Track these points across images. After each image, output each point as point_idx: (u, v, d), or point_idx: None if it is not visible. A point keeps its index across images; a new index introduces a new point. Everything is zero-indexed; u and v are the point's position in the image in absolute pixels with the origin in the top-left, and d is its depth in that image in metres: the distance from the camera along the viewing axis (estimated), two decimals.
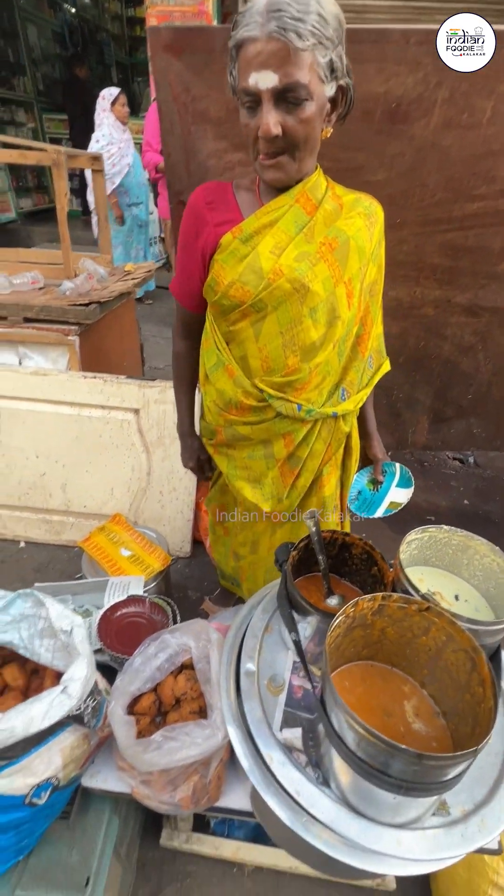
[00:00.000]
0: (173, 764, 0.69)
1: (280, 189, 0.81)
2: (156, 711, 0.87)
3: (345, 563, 0.88)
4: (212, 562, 1.50)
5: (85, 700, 0.73)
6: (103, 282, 2.06)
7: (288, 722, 0.72)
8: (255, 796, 0.78)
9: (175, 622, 1.05)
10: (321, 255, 0.82)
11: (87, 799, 0.88)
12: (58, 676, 0.85)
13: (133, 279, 2.10)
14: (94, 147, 3.42)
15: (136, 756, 0.70)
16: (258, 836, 1.07)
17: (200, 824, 1.07)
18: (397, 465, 1.17)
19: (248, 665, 0.79)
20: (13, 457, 1.78)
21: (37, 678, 0.90)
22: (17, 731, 0.63)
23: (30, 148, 1.83)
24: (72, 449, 1.76)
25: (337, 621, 0.63)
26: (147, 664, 0.86)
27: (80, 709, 0.72)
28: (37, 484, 1.81)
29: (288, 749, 0.68)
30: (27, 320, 1.72)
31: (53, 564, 1.82)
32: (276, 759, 0.67)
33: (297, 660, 0.81)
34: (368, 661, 0.74)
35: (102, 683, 0.86)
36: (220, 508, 1.26)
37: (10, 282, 1.85)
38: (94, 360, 1.93)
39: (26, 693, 0.87)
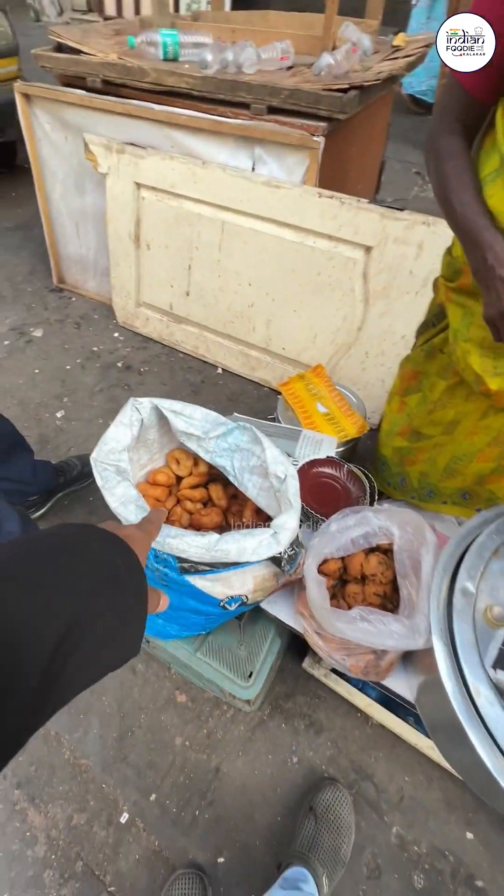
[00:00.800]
0: (362, 642, 0.67)
1: None
2: (338, 577, 0.86)
3: None
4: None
5: (287, 548, 0.72)
6: (365, 61, 1.57)
7: (502, 662, 0.62)
8: (425, 695, 0.75)
9: (372, 499, 0.97)
10: None
11: (258, 612, 0.98)
12: (257, 511, 0.87)
13: (406, 56, 1.54)
14: None
15: (325, 618, 0.69)
16: (389, 701, 1.12)
17: None
18: None
19: (467, 584, 0.67)
20: (227, 280, 1.72)
21: (236, 503, 0.94)
22: (230, 554, 0.65)
23: None
24: (285, 282, 1.61)
25: None
26: (343, 533, 0.82)
27: (281, 554, 0.71)
28: (243, 314, 1.77)
29: (499, 691, 0.59)
30: (271, 111, 1.44)
31: (244, 398, 1.88)
32: (483, 694, 0.58)
33: None
34: None
35: (301, 535, 0.85)
36: (413, 377, 1.02)
37: (258, 55, 1.52)
38: (330, 176, 1.60)
39: (226, 512, 0.93)
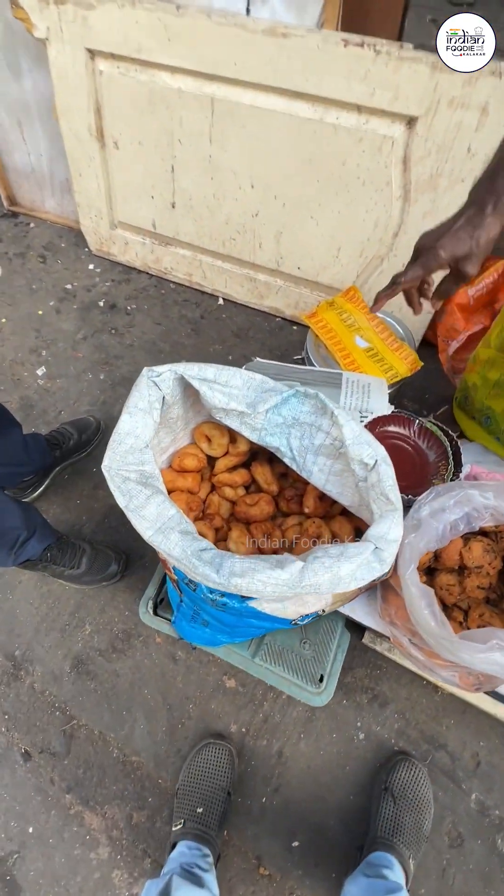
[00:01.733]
0: (501, 675, 0.51)
1: None
2: (427, 567, 0.69)
3: None
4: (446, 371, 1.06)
5: None
6: None
7: None
8: None
9: (455, 463, 0.77)
10: None
11: None
12: (320, 498, 0.68)
13: None
14: None
15: (446, 648, 0.53)
16: None
17: None
18: None
19: None
20: (223, 181, 1.36)
21: (288, 484, 0.74)
22: (322, 588, 0.47)
23: None
24: (299, 180, 1.27)
25: None
26: (438, 518, 0.63)
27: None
28: (246, 227, 1.43)
29: None
30: None
31: (254, 333, 1.61)
32: None
33: None
34: None
35: None
36: None
37: None
38: (349, 17, 1.18)
39: (276, 498, 0.74)
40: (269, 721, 1.04)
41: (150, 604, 0.82)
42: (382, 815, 0.91)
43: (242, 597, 0.56)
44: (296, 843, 0.95)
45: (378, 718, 1.04)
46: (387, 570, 0.50)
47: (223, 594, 0.53)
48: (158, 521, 0.47)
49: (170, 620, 0.82)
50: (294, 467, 0.63)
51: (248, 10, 1.14)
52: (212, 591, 0.53)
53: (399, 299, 1.41)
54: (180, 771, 0.99)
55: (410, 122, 1.08)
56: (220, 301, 1.68)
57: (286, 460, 0.64)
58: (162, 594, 0.88)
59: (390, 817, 0.90)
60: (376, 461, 0.54)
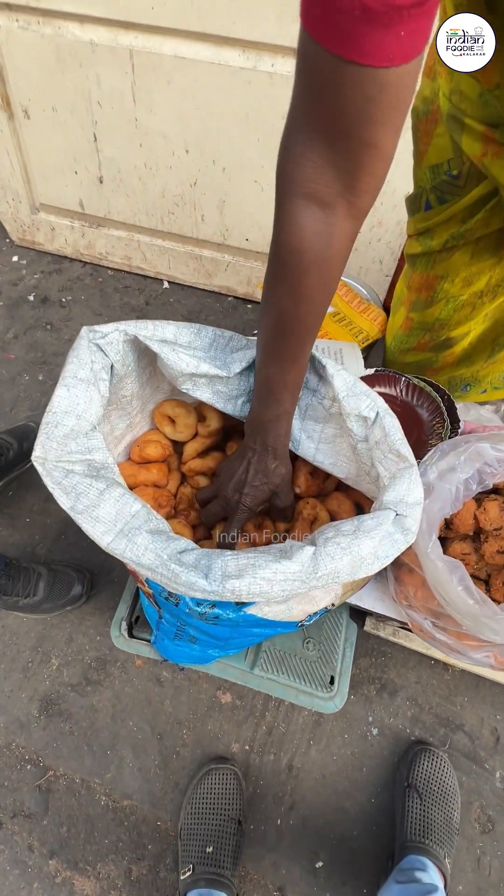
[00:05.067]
0: None
1: None
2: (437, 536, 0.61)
3: None
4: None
5: None
6: None
7: None
8: None
9: (451, 420, 0.70)
10: None
11: None
12: (311, 474, 0.58)
13: None
14: None
15: (484, 626, 0.45)
16: None
17: None
18: None
19: None
20: (154, 147, 1.23)
21: None
22: (342, 575, 0.37)
23: None
24: (237, 139, 1.16)
25: None
26: (449, 479, 0.55)
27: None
28: (185, 198, 1.31)
29: None
30: None
31: (206, 315, 1.49)
32: None
33: None
34: None
35: None
36: (427, 286, 0.75)
37: None
38: None
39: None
40: (273, 733, 0.94)
41: (124, 625, 0.70)
42: (409, 815, 0.83)
43: (238, 603, 0.45)
44: (319, 864, 0.85)
45: (389, 709, 0.96)
46: (412, 540, 0.41)
47: (214, 604, 0.42)
48: (119, 522, 0.35)
49: (149, 641, 0.70)
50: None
51: None
52: (199, 602, 0.42)
53: (365, 261, 1.34)
54: (181, 808, 0.87)
55: None
56: (166, 285, 1.54)
57: None
58: (137, 611, 0.75)
59: (418, 816, 0.82)
60: (377, 413, 0.44)
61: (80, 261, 1.60)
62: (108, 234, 1.48)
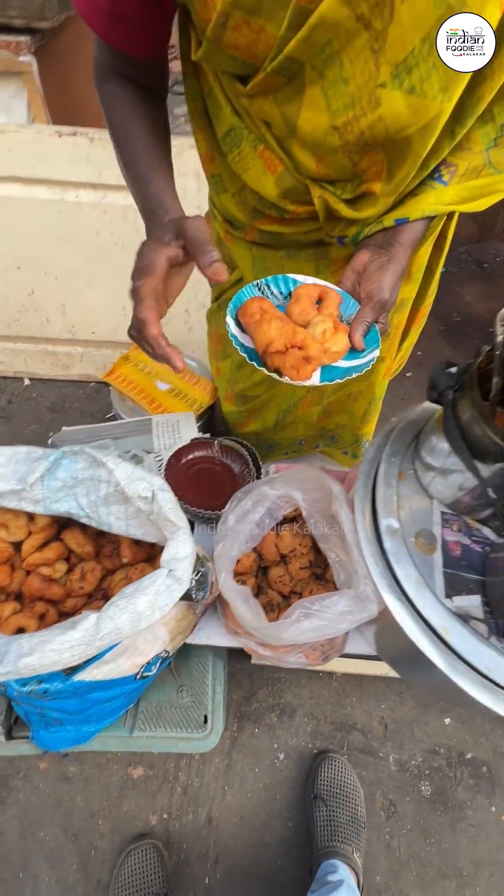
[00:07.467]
0: (317, 640, 0.56)
1: None
2: (256, 569, 0.74)
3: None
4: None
5: (191, 578, 0.56)
6: None
7: (453, 586, 0.58)
8: (382, 639, 0.70)
9: (256, 468, 0.85)
10: None
11: (185, 645, 0.82)
12: (136, 544, 0.68)
13: None
14: None
15: (268, 635, 0.57)
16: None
17: None
18: None
19: (390, 521, 0.61)
20: None
21: (108, 543, 0.73)
22: (123, 631, 0.47)
23: None
24: (63, 254, 1.31)
25: None
26: (244, 521, 0.69)
27: (188, 589, 0.55)
28: (27, 306, 1.42)
29: (463, 619, 0.55)
30: None
31: (70, 403, 1.57)
32: (453, 631, 0.53)
33: (447, 511, 0.63)
34: None
35: (198, 548, 0.69)
36: (220, 340, 0.91)
37: None
38: (61, 110, 1.31)
39: (100, 559, 0.72)
40: (188, 791, 0.97)
41: (1, 729, 0.71)
42: (318, 823, 0.90)
43: (66, 672, 0.52)
44: None
45: (290, 730, 1.04)
46: (186, 587, 0.52)
47: (40, 680, 0.49)
48: None
49: (28, 738, 0.72)
50: (93, 524, 0.63)
51: None
52: (24, 682, 0.49)
53: (193, 340, 1.52)
54: None
55: None
56: (27, 381, 1.61)
57: (83, 520, 0.63)
58: (14, 713, 0.77)
59: (325, 822, 0.90)
60: (153, 492, 0.57)
61: None
62: None
